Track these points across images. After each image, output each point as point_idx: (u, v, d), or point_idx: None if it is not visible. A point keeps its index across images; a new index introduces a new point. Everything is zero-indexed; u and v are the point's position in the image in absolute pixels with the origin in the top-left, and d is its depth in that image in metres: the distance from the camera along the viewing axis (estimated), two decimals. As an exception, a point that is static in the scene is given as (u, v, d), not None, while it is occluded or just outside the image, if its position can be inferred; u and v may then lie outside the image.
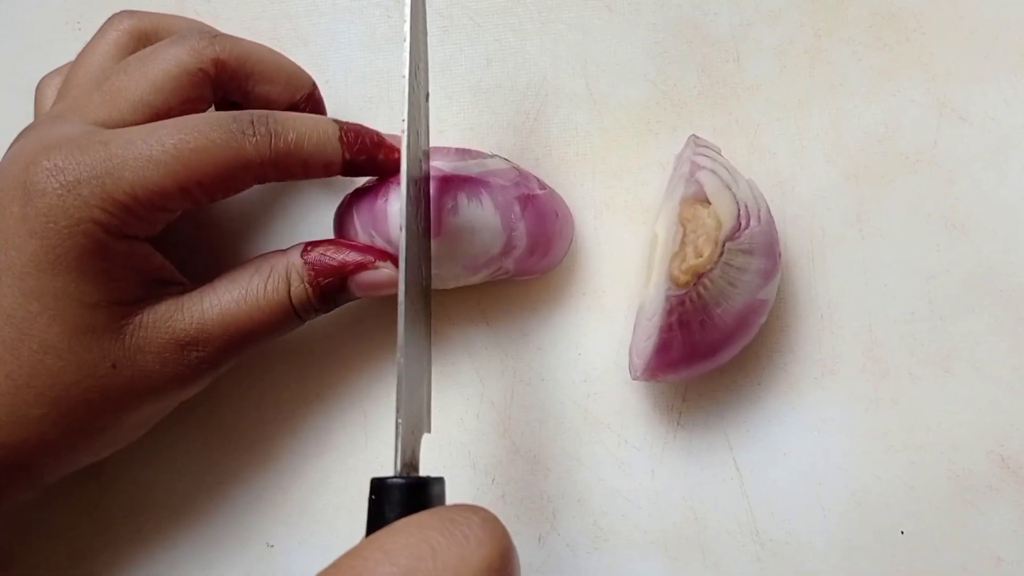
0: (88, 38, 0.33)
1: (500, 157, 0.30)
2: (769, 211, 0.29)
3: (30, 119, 0.33)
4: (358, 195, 0.28)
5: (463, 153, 0.29)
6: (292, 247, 0.28)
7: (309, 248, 0.28)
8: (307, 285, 0.27)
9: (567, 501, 0.30)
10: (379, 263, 0.27)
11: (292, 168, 0.26)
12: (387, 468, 0.31)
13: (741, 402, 0.31)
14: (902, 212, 0.32)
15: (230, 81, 0.27)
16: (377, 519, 0.22)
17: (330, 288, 0.27)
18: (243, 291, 0.27)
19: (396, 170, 0.28)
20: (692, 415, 0.31)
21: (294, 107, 0.29)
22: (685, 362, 0.28)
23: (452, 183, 0.28)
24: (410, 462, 0.24)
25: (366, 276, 0.27)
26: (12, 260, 0.24)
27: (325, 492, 0.31)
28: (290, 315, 0.27)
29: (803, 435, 0.31)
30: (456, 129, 0.32)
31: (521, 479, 0.31)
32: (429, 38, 0.33)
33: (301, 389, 0.31)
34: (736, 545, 0.30)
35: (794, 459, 0.30)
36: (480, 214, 0.28)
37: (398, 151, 0.28)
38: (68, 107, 0.26)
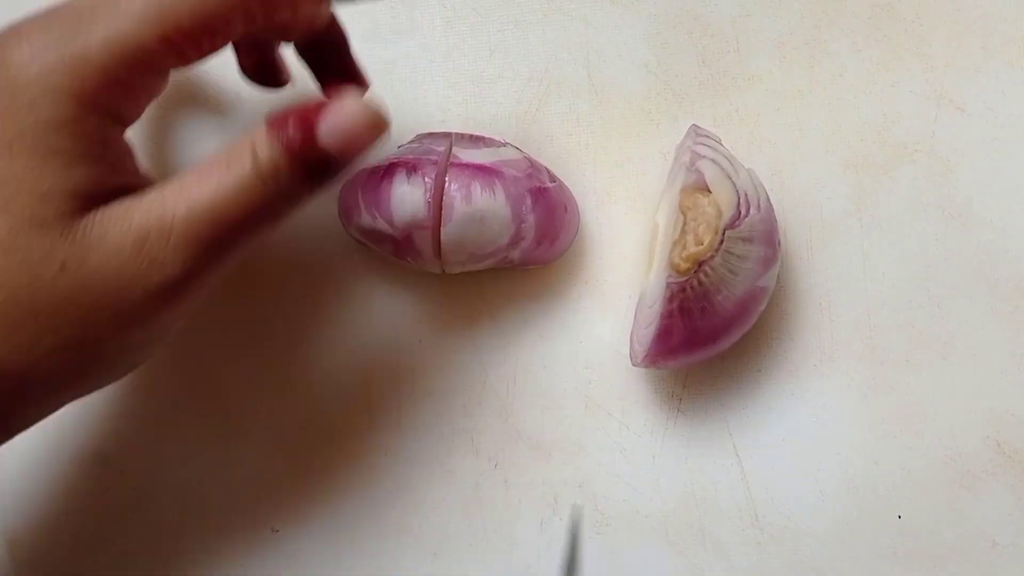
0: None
1: (512, 146, 0.30)
2: (768, 200, 0.29)
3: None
4: (362, 176, 0.29)
5: (476, 140, 0.29)
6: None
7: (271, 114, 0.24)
8: (274, 150, 0.23)
9: (568, 486, 0.31)
10: (345, 98, 0.23)
11: (281, 8, 0.24)
12: (391, 456, 0.31)
13: (741, 389, 0.31)
14: (900, 201, 0.32)
15: None
16: None
17: (302, 152, 0.23)
18: (205, 171, 0.23)
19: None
20: (692, 402, 0.31)
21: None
22: (685, 348, 0.28)
23: (467, 171, 0.28)
24: None
25: (334, 119, 0.23)
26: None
27: (330, 477, 0.31)
28: (261, 192, 0.23)
29: (802, 421, 0.31)
30: (458, 119, 0.33)
31: (523, 465, 0.31)
32: (432, 30, 0.33)
33: (305, 375, 0.32)
34: (736, 529, 0.30)
35: (793, 445, 0.31)
36: (491, 204, 0.28)
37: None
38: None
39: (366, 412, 0.31)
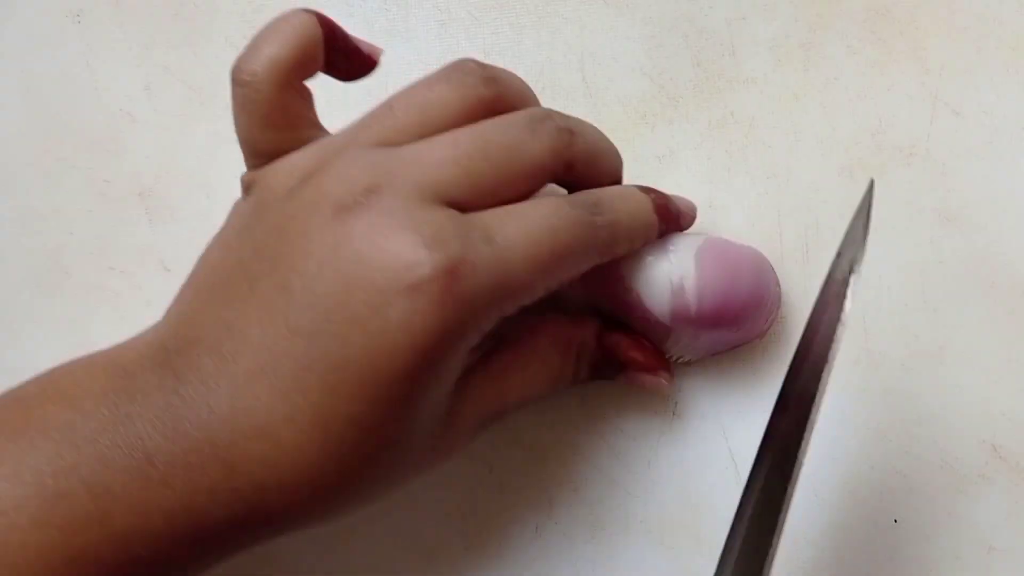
0: (88, 32, 0.34)
1: None
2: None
3: (30, 113, 0.33)
4: None
5: None
6: (587, 321, 0.28)
7: (607, 334, 0.28)
8: (589, 365, 0.28)
9: (563, 490, 0.31)
10: (661, 372, 0.28)
11: (620, 249, 0.26)
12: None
13: (736, 392, 0.31)
14: (896, 205, 0.32)
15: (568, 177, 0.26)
16: None
17: (606, 371, 0.29)
18: (550, 376, 0.27)
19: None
20: (688, 405, 0.31)
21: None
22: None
23: None
24: None
25: (643, 377, 0.28)
26: (378, 370, 0.21)
27: (323, 482, 0.31)
28: (566, 386, 0.28)
29: (797, 425, 0.31)
30: (454, 122, 0.33)
31: (518, 469, 0.31)
32: (426, 32, 0.33)
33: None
34: (731, 534, 0.30)
35: (788, 449, 0.31)
36: None
37: (689, 216, 0.28)
38: (409, 170, 0.22)
39: (360, 416, 0.31)
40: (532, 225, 0.23)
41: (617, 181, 0.28)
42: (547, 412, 0.31)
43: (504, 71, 0.26)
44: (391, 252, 0.20)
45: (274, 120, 0.24)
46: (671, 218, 0.27)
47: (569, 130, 0.25)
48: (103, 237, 0.33)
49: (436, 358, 0.21)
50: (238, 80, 0.24)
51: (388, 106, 0.24)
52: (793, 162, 0.32)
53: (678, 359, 0.30)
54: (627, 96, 0.32)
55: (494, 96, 0.24)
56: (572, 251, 0.23)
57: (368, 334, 0.20)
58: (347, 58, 0.26)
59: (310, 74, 0.25)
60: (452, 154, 0.23)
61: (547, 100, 0.32)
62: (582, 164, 0.25)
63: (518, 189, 0.24)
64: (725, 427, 0.31)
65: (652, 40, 0.33)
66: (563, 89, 0.32)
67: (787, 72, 0.32)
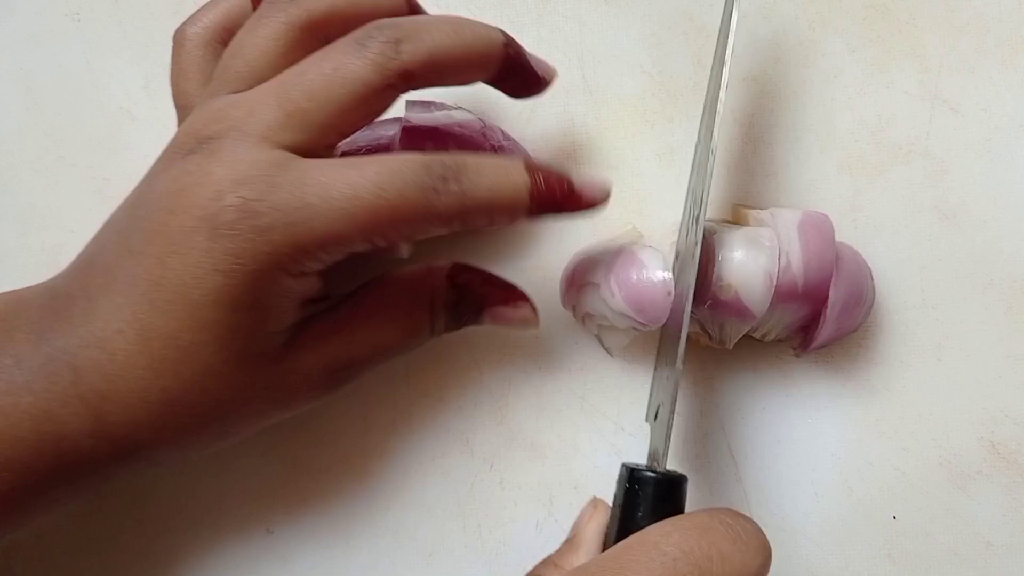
0: (88, 30, 0.34)
1: (463, 109, 0.30)
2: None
3: (30, 111, 0.33)
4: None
5: (427, 105, 0.30)
6: (438, 267, 0.28)
7: (457, 273, 0.28)
8: (445, 309, 0.28)
9: (564, 488, 0.31)
10: (520, 303, 0.28)
11: (478, 221, 0.25)
12: (385, 458, 0.31)
13: (736, 389, 0.31)
14: (895, 202, 0.32)
15: (417, 85, 0.25)
16: (631, 508, 0.25)
17: (466, 314, 0.28)
18: (400, 327, 0.27)
19: (577, 215, 0.26)
20: (688, 403, 0.31)
21: None
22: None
23: (418, 135, 0.28)
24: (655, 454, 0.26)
25: (503, 311, 0.28)
26: (189, 290, 0.23)
27: (324, 478, 0.31)
28: (427, 336, 0.28)
29: (797, 422, 0.31)
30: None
31: (518, 466, 0.31)
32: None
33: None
34: (731, 530, 0.30)
35: (788, 445, 0.31)
36: None
37: (584, 200, 0.26)
38: (242, 117, 0.24)
39: (361, 414, 0.31)
40: (358, 180, 0.23)
41: (486, 67, 0.26)
42: (546, 410, 0.31)
43: None
44: (206, 186, 0.23)
45: (190, 75, 0.27)
46: (550, 199, 0.25)
47: (395, 40, 0.24)
48: (103, 236, 0.33)
49: (240, 284, 0.23)
50: (173, 39, 0.28)
51: (223, 59, 0.26)
52: (792, 160, 0.32)
53: (764, 336, 0.30)
54: (627, 94, 0.33)
55: (305, 15, 0.25)
56: (400, 213, 0.24)
57: (179, 256, 0.23)
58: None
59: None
60: (276, 100, 0.24)
61: (547, 98, 0.32)
62: (424, 69, 0.24)
63: (356, 114, 0.24)
64: (724, 425, 0.31)
65: (652, 38, 0.33)
66: (563, 87, 0.32)
67: (786, 70, 0.33)
